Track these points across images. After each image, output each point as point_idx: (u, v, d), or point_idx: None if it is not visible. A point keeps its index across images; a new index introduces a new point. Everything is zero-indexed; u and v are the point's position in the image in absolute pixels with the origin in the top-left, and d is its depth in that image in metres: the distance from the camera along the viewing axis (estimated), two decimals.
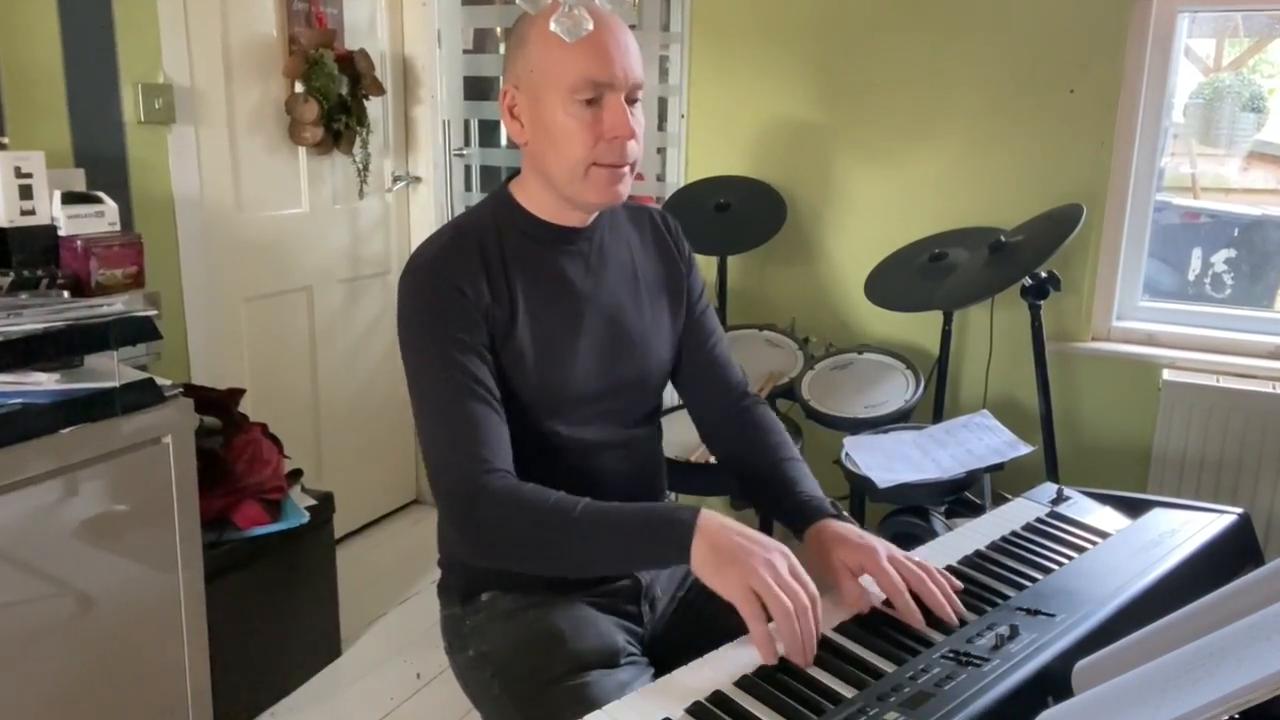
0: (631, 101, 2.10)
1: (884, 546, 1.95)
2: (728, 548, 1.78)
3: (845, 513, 2.17)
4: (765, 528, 4.09)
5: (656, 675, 1.95)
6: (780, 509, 2.28)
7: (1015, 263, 3.69)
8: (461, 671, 2.32)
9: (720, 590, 1.76)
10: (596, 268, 2.28)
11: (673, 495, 4.56)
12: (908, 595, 1.82)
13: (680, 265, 2.46)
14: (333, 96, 4.60)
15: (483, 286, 2.11)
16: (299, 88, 4.54)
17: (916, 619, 1.79)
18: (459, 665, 2.32)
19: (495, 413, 2.08)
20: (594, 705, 1.84)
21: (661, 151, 5.06)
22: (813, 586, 1.73)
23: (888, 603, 1.85)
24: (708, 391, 2.47)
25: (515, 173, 2.29)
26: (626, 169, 2.14)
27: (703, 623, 1.78)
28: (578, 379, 2.20)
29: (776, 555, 1.76)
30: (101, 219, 3.29)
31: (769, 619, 1.69)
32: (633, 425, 2.35)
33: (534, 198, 2.22)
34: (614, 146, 2.08)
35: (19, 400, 2.71)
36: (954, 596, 1.84)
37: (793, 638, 1.64)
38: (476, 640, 2.25)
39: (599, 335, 2.25)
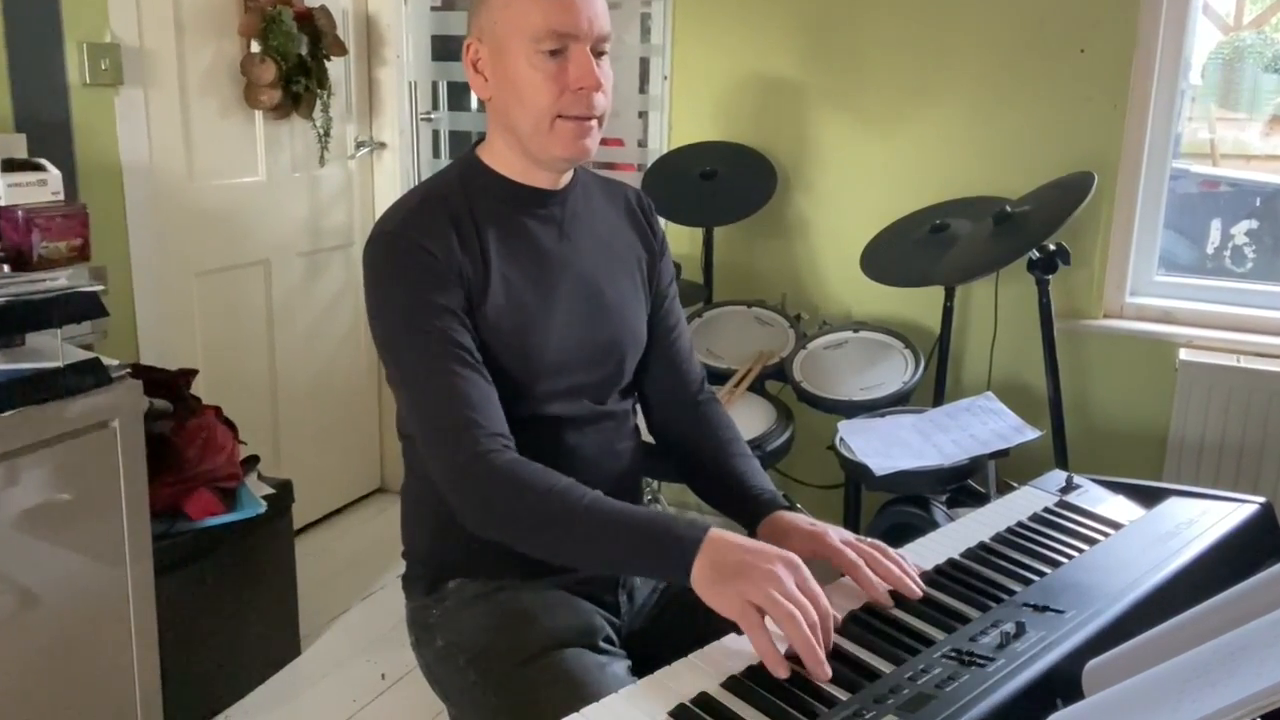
0: (598, 54, 2.14)
1: (835, 531, 1.98)
2: (729, 564, 1.78)
3: (798, 505, 2.18)
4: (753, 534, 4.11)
5: (635, 673, 1.96)
6: (730, 503, 2.31)
7: (1022, 234, 3.69)
8: (430, 665, 2.32)
9: (719, 608, 1.75)
10: (570, 232, 2.30)
11: (655, 483, 4.57)
12: (867, 569, 1.85)
13: (654, 245, 2.48)
14: (291, 57, 4.57)
15: (454, 247, 2.13)
16: (255, 47, 4.51)
17: (880, 593, 1.82)
18: (427, 659, 2.33)
19: (481, 376, 2.10)
20: (573, 680, 1.86)
21: (643, 116, 5.04)
22: (824, 601, 1.71)
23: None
24: (665, 386, 2.49)
25: (483, 137, 2.31)
26: (594, 122, 2.17)
27: (686, 620, 1.78)
28: (553, 346, 2.22)
29: (781, 567, 1.74)
30: (44, 188, 3.27)
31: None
32: (607, 401, 2.36)
33: (501, 158, 2.24)
34: (579, 98, 2.11)
35: None
36: (912, 571, 1.87)
37: (808, 648, 1.60)
38: (445, 629, 2.26)
39: (574, 301, 2.27)
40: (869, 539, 1.96)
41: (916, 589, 1.83)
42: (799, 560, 1.78)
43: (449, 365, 2.07)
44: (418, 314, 2.09)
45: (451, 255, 2.12)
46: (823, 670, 1.60)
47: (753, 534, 2.15)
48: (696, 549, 1.83)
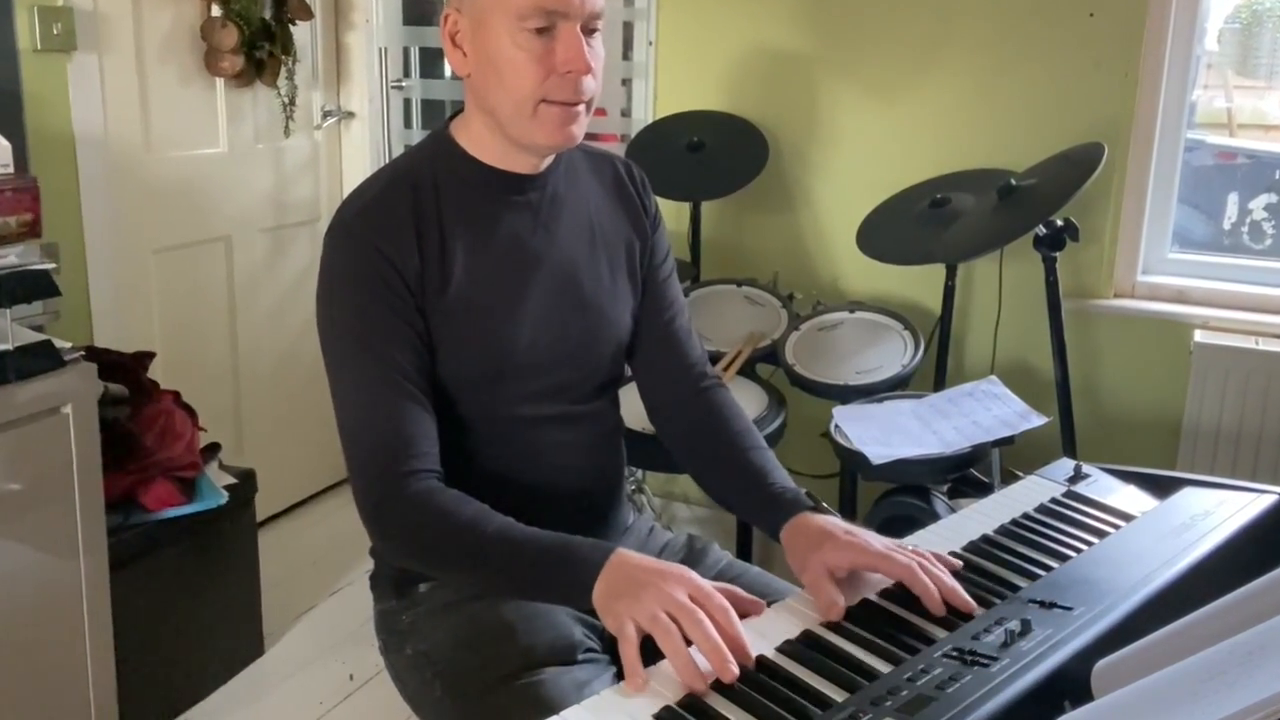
0: (589, 31, 2.09)
1: (875, 538, 1.95)
2: (622, 584, 1.80)
3: (824, 504, 2.16)
4: (743, 526, 4.10)
5: (620, 675, 1.96)
6: (749, 504, 2.29)
7: (1027, 209, 3.69)
8: (399, 673, 2.32)
9: (608, 627, 1.78)
10: (548, 221, 2.27)
11: (640, 473, 4.57)
12: (924, 575, 1.82)
13: (645, 223, 2.45)
14: (254, 21, 4.56)
15: (412, 247, 2.12)
16: (216, 11, 4.49)
17: (938, 601, 1.79)
18: (396, 666, 2.32)
19: (419, 405, 2.11)
20: (548, 706, 1.85)
21: (626, 83, 5.04)
22: (717, 599, 1.72)
23: (883, 594, 1.85)
24: (662, 369, 2.47)
25: (460, 110, 2.28)
26: (581, 107, 2.14)
27: None
28: (522, 348, 2.21)
29: (674, 583, 1.75)
30: None
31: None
32: (586, 399, 2.36)
33: (477, 139, 2.21)
34: (566, 82, 2.07)
35: None
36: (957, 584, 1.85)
37: (685, 668, 1.60)
38: (414, 637, 2.25)
39: (548, 298, 2.25)
40: (911, 546, 1.93)
41: (971, 601, 1.80)
42: (692, 574, 1.79)
43: (383, 393, 2.09)
44: (361, 330, 2.11)
45: (408, 254, 2.11)
46: (726, 672, 1.59)
47: (775, 538, 2.14)
48: (597, 572, 1.84)
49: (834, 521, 2.03)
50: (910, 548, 1.92)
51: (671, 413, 2.47)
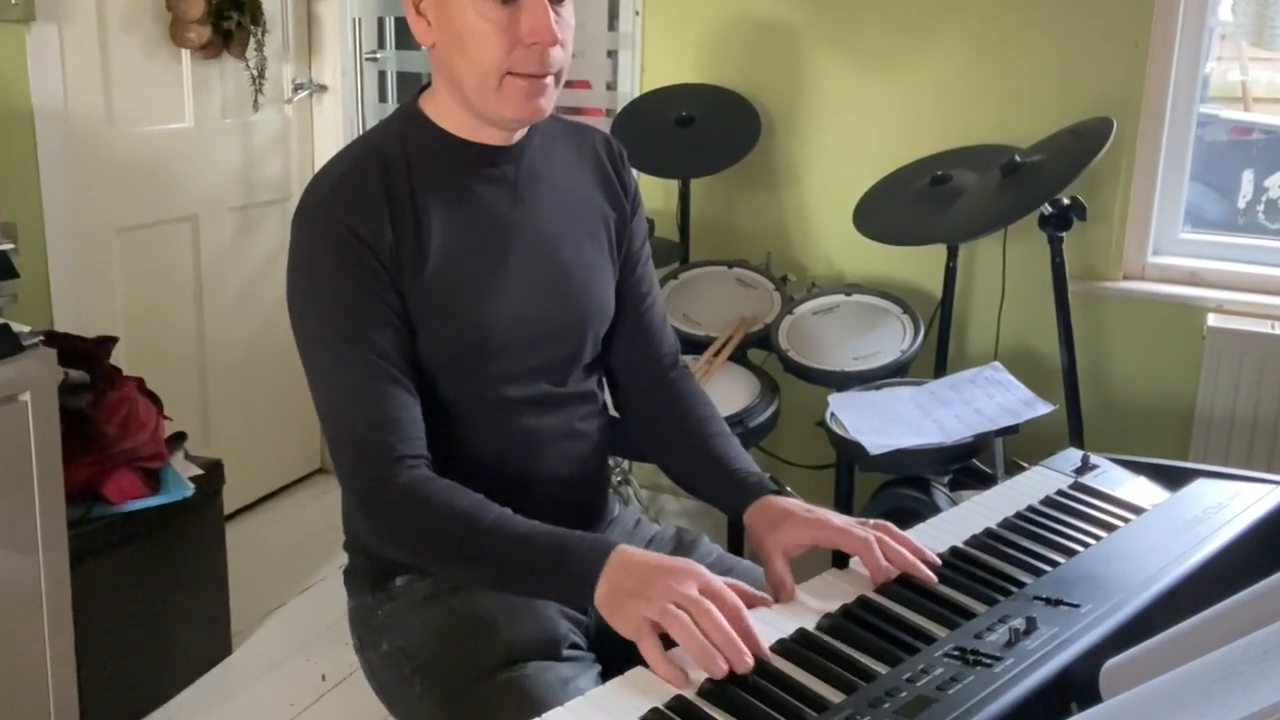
0: (557, 0, 2.09)
1: (837, 516, 2.00)
2: (630, 582, 1.80)
3: (788, 488, 2.20)
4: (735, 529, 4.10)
5: (605, 675, 1.95)
6: (712, 490, 2.32)
7: (1033, 187, 3.69)
8: (374, 670, 2.32)
9: (619, 629, 1.77)
10: (525, 194, 2.27)
11: (625, 464, 4.56)
12: (879, 551, 1.88)
13: (624, 202, 2.45)
14: None
15: (384, 225, 2.11)
16: None
17: (882, 579, 1.86)
18: (371, 663, 2.32)
19: (404, 389, 2.11)
20: (532, 702, 1.86)
21: (612, 55, 5.01)
22: (730, 596, 1.73)
23: (881, 590, 1.86)
24: (634, 356, 2.48)
25: (429, 83, 2.28)
26: (549, 79, 2.13)
27: None
28: (504, 326, 2.20)
29: (683, 578, 1.76)
30: None
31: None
32: (570, 381, 2.35)
33: (446, 112, 2.21)
34: (532, 53, 2.07)
35: None
36: (928, 554, 1.90)
37: (701, 654, 1.61)
38: (391, 633, 2.25)
39: (529, 273, 2.25)
40: (873, 519, 1.98)
41: (929, 573, 1.85)
42: (701, 568, 1.79)
43: (366, 377, 2.08)
44: (337, 314, 2.10)
45: (381, 232, 2.10)
46: (720, 669, 1.60)
47: (739, 521, 2.17)
48: (599, 572, 1.85)
49: (796, 503, 2.08)
50: (874, 522, 1.97)
51: (637, 398, 2.49)
